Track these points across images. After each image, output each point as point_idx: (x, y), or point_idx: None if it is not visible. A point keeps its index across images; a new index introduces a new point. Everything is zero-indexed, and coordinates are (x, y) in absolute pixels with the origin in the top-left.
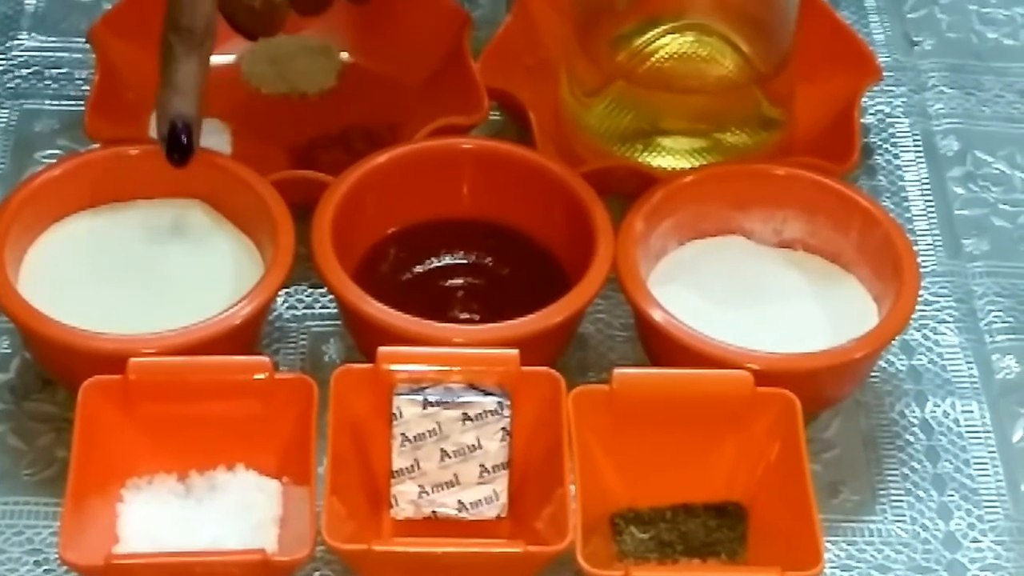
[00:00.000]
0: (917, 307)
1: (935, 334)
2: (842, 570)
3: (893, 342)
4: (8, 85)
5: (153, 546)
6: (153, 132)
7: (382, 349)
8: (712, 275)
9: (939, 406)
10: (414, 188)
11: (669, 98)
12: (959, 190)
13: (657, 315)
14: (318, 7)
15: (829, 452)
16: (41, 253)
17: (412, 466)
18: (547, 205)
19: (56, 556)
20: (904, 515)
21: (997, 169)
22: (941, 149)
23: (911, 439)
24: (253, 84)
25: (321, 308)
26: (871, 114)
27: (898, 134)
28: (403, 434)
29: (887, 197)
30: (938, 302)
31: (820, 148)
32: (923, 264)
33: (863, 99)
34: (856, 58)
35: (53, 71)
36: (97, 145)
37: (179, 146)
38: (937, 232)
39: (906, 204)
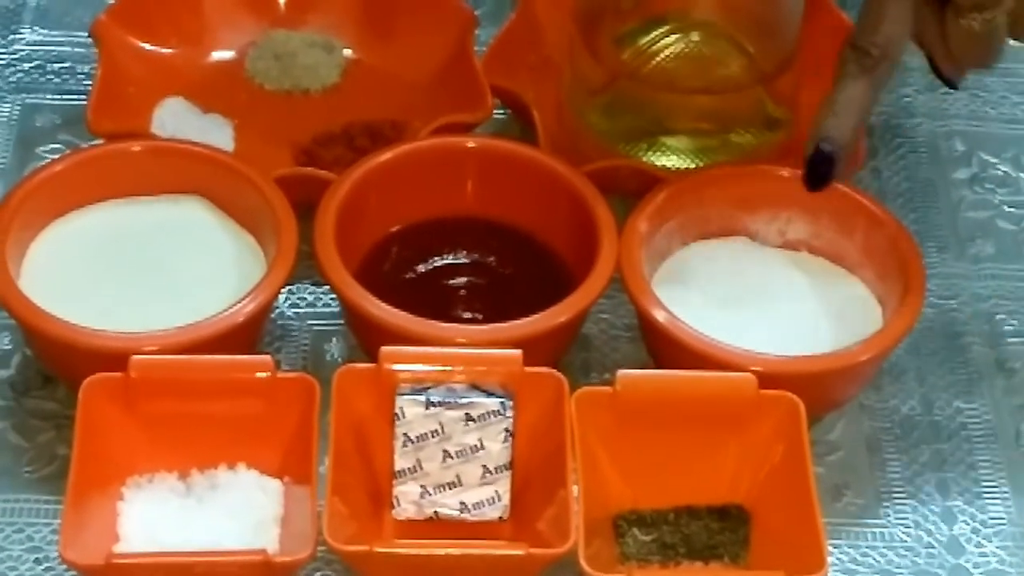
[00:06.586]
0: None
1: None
2: (845, 574)
3: (898, 344)
4: (10, 79)
5: (153, 545)
6: (156, 128)
7: (385, 349)
8: (716, 276)
9: (944, 409)
10: (417, 186)
11: (673, 97)
12: (964, 192)
13: (661, 316)
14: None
15: (833, 455)
16: (43, 249)
17: (414, 467)
18: (551, 204)
19: (56, 554)
20: (908, 519)
21: (1002, 171)
22: (946, 150)
23: (915, 442)
24: (256, 80)
25: (323, 306)
26: (876, 115)
27: (903, 135)
28: (405, 434)
29: (892, 198)
30: (943, 304)
31: None
32: (928, 266)
33: None
34: None
35: (55, 65)
36: (99, 140)
37: (817, 172)
38: (942, 234)
39: (911, 206)
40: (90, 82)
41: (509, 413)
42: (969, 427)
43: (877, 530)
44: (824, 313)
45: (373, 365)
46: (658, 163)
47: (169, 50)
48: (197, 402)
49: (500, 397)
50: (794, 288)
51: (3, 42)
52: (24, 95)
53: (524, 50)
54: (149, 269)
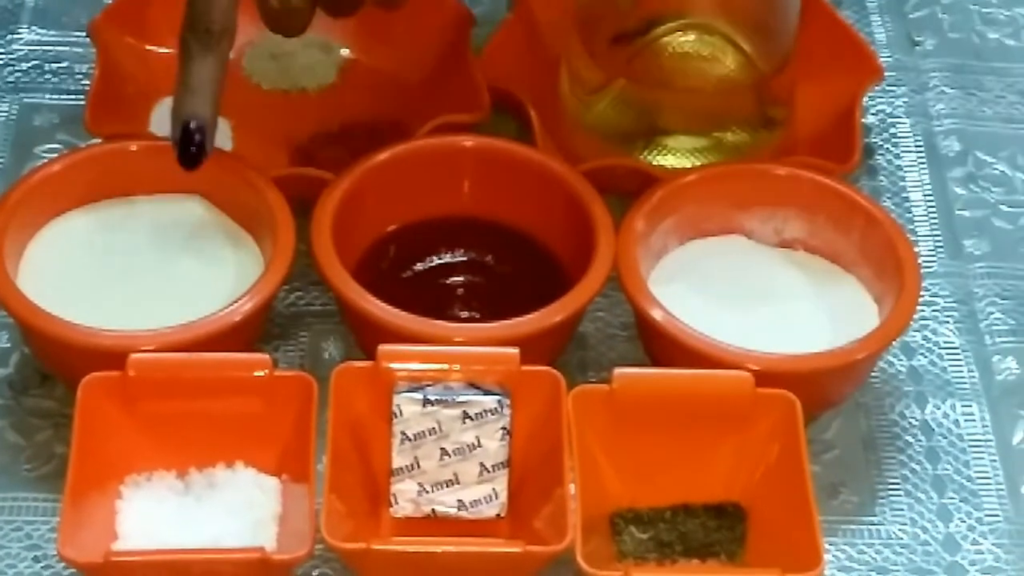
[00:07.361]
0: (918, 308)
1: (936, 335)
2: (842, 571)
3: (894, 343)
4: (8, 79)
5: (152, 543)
6: (154, 128)
7: (382, 347)
8: (713, 275)
9: (939, 407)
10: (415, 186)
11: (670, 97)
12: (960, 191)
13: (657, 315)
14: (349, 8)
15: (829, 453)
16: (41, 248)
17: (412, 464)
18: (548, 203)
19: (55, 552)
20: (904, 517)
21: (998, 170)
22: (942, 150)
23: (911, 440)
24: (254, 80)
25: (321, 305)
26: (872, 114)
27: (899, 134)
28: (403, 432)
29: (888, 197)
30: (939, 303)
31: (821, 148)
32: (924, 265)
33: (864, 99)
34: (857, 58)
35: (53, 65)
36: (97, 140)
37: (190, 149)
38: (938, 233)
39: (907, 204)
40: (88, 82)
41: (506, 411)
42: (964, 425)
43: (873, 528)
44: (820, 311)
45: (371, 363)
46: (655, 162)
47: (167, 50)
48: (195, 400)
49: (497, 395)
50: (791, 287)
51: (1, 42)
52: (22, 95)
53: (521, 50)
54: (147, 268)
